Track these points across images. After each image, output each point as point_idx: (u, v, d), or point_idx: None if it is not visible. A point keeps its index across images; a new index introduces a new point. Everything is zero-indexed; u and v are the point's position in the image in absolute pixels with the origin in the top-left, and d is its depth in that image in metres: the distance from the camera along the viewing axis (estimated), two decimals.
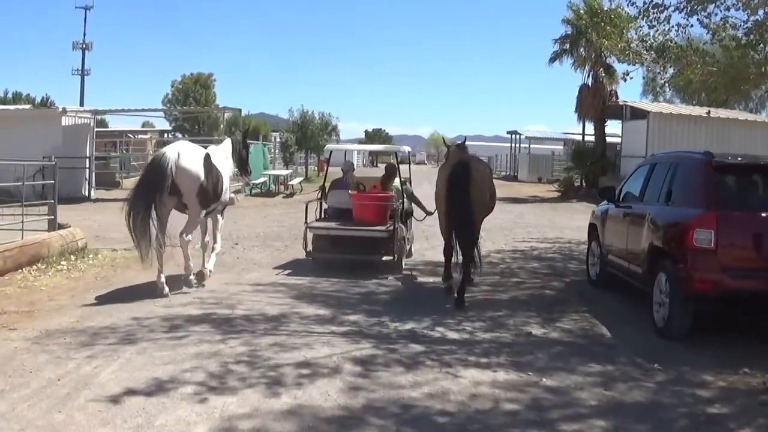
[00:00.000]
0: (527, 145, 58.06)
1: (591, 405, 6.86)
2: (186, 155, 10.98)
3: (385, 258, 13.61)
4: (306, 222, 14.08)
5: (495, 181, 14.14)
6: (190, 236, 11.59)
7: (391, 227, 13.59)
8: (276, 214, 24.82)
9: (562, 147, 56.33)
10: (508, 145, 61.35)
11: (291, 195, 33.13)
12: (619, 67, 34.04)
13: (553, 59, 37.66)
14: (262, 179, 34.04)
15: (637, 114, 34.08)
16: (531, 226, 23.09)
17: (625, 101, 36.81)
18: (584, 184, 37.61)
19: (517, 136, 58.85)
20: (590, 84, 36.48)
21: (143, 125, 72.26)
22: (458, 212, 11.50)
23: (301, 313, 10.04)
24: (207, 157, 11.50)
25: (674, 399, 7.12)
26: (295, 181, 35.46)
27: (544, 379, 7.44)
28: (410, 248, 15.29)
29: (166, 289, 10.88)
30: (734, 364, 8.20)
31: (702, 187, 9.52)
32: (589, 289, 12.80)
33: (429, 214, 14.26)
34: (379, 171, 21.30)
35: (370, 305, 10.83)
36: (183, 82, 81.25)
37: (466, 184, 11.33)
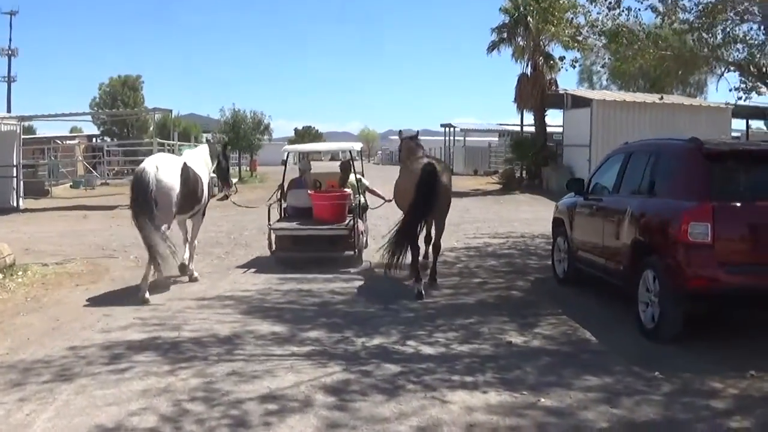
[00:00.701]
0: (462, 138, 57.35)
1: (602, 428, 6.01)
2: (163, 169, 11.46)
3: (346, 253, 14.20)
4: (269, 223, 14.61)
5: None
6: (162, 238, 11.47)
7: (351, 223, 14.30)
8: (213, 217, 23.47)
9: (497, 138, 55.79)
10: (441, 138, 60.66)
11: (225, 197, 31.78)
12: (562, 55, 33.80)
13: (491, 48, 36.93)
14: None
15: (579, 102, 33.49)
16: (479, 220, 22.34)
17: (565, 90, 36.27)
18: (526, 175, 37.00)
19: (451, 129, 58.10)
20: (529, 73, 35.86)
21: (71, 131, 70.42)
22: (422, 213, 11.93)
23: (255, 332, 8.99)
24: (184, 166, 12.06)
25: (689, 413, 6.35)
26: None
27: (542, 399, 6.57)
28: (366, 239, 15.68)
29: (147, 294, 11.08)
30: (738, 366, 7.50)
31: (693, 177, 8.73)
32: (557, 288, 12.04)
33: (387, 201, 14.94)
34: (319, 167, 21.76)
35: (329, 317, 9.85)
36: (110, 85, 78.89)
37: (436, 192, 11.77)
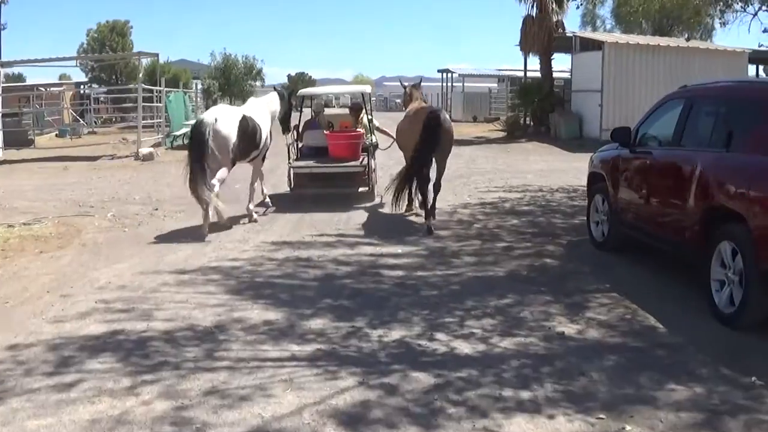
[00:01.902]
0: (460, 84, 55.29)
1: None
2: (222, 119, 12.31)
3: (360, 189, 15.09)
4: (288, 162, 15.39)
5: None
6: (217, 184, 12.41)
7: (365, 161, 15.19)
8: None
9: (496, 84, 53.80)
10: (438, 84, 58.68)
11: None
12: None
13: None
14: (183, 130, 30.85)
15: (588, 46, 31.45)
16: (488, 171, 20.61)
17: (574, 32, 34.29)
18: (531, 122, 35.12)
19: (449, 75, 56.05)
20: (535, 15, 33.71)
21: (60, 78, 68.68)
22: (425, 158, 12.43)
23: (244, 321, 7.25)
24: (243, 117, 12.87)
25: None
26: None
27: (627, 427, 4.91)
28: (375, 176, 16.12)
29: (208, 236, 11.85)
30: None
31: None
32: (597, 255, 10.35)
33: (395, 140, 14.84)
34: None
35: (334, 298, 8.13)
36: (98, 31, 76.76)
37: (439, 136, 12.33)
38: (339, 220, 13.14)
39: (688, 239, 7.91)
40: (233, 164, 12.99)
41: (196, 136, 12.20)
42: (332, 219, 13.29)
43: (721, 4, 17.11)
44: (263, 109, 14.04)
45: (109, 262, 10.20)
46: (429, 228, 12.08)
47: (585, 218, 11.88)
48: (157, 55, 32.68)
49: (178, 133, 30.14)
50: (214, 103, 39.80)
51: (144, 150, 25.36)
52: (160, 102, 30.63)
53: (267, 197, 14.69)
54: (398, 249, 10.66)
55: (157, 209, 14.66)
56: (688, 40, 20.22)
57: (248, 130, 12.97)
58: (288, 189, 15.45)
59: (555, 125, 31.60)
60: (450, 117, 14.37)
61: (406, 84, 15.74)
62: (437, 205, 13.12)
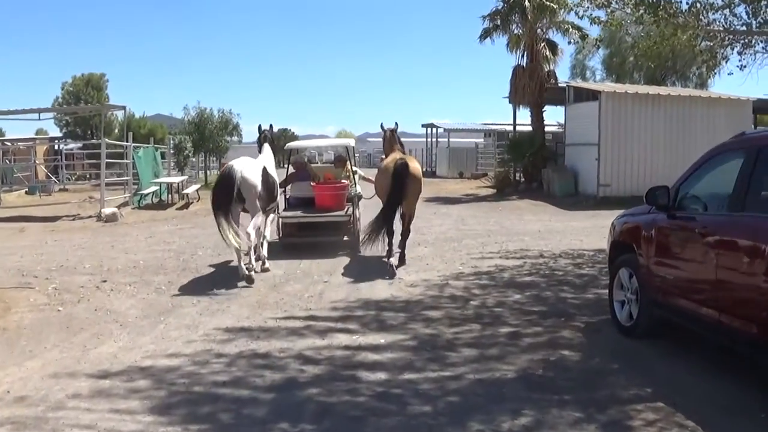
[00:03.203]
0: (445, 139, 53.69)
1: None
2: (248, 169, 12.81)
3: (345, 238, 16.10)
4: (277, 212, 15.47)
5: None
6: (253, 232, 12.93)
7: (350, 211, 16.00)
8: (165, 232, 19.88)
9: (482, 139, 52.16)
10: (422, 140, 57.10)
11: (186, 206, 28.04)
12: (584, 32, 30.29)
13: (484, 36, 32.70)
14: (152, 188, 28.91)
15: (582, 96, 29.73)
16: (480, 234, 18.65)
17: (567, 82, 32.61)
18: (523, 178, 33.28)
19: (433, 129, 54.51)
20: (525, 64, 32.07)
21: (37, 133, 67.63)
22: (396, 203, 13.47)
23: None
24: (264, 170, 13.36)
25: None
26: (191, 189, 30.21)
27: None
28: (359, 225, 16.28)
29: (248, 273, 12.44)
30: None
31: None
32: (624, 343, 8.36)
33: None
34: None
35: (293, 422, 6.07)
36: (74, 84, 75.90)
37: (406, 183, 13.43)
38: (311, 297, 11.21)
39: (760, 333, 5.96)
40: (260, 212, 13.30)
41: (225, 182, 12.55)
42: (303, 294, 11.41)
43: (740, 45, 15.34)
44: (271, 161, 14.40)
45: (22, 356, 8.29)
46: (392, 267, 13.15)
47: (598, 291, 10.55)
48: (124, 107, 30.95)
49: (146, 191, 28.22)
50: (185, 159, 37.93)
51: (107, 210, 23.39)
52: (128, 158, 28.66)
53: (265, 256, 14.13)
54: (380, 338, 8.65)
55: (105, 281, 12.72)
56: (700, 86, 18.07)
57: (269, 181, 13.51)
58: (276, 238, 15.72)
59: (548, 181, 29.78)
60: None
61: (386, 128, 15.88)
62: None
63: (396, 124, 16.08)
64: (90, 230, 20.78)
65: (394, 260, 13.43)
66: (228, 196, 12.41)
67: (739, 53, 15.71)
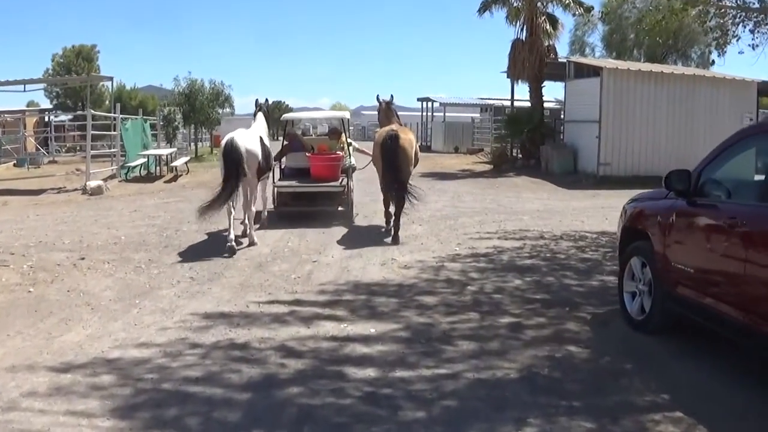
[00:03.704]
0: (441, 113, 52.81)
1: None
2: (249, 141, 13.13)
3: (340, 208, 16.13)
4: (273, 182, 15.91)
5: None
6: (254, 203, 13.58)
7: (344, 182, 16.17)
8: (150, 206, 19.13)
9: (479, 114, 51.30)
10: (417, 114, 56.22)
11: (175, 179, 27.29)
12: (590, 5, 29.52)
13: (483, 9, 32.04)
14: (139, 161, 28.10)
15: (583, 72, 28.85)
16: (477, 212, 17.95)
17: (567, 58, 31.79)
18: (520, 155, 32.51)
19: (429, 104, 53.66)
20: (524, 38, 31.22)
21: (28, 105, 66.68)
22: (392, 174, 13.86)
23: None
24: (261, 140, 13.76)
25: None
26: (180, 162, 29.40)
27: None
28: (353, 196, 16.59)
29: (234, 246, 12.54)
30: None
31: None
32: (636, 339, 7.65)
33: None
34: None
35: (269, 429, 5.42)
36: (64, 56, 74.65)
37: (396, 152, 13.79)
38: (298, 278, 10.53)
39: None
40: (257, 183, 13.91)
41: (232, 156, 12.63)
42: (289, 275, 10.73)
43: (752, 23, 14.60)
44: (264, 131, 14.73)
45: None
46: (393, 236, 13.73)
47: (603, 278, 10.05)
48: (111, 78, 30.03)
49: (133, 164, 27.45)
50: (174, 131, 37.07)
51: (92, 183, 22.59)
52: (115, 130, 27.84)
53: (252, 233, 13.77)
54: (370, 328, 7.96)
55: (83, 258, 12.00)
56: (712, 64, 17.13)
57: (265, 151, 13.80)
58: (272, 207, 16.01)
59: (546, 158, 28.99)
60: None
61: (381, 99, 16.21)
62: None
63: (391, 96, 16.28)
64: (74, 204, 20.04)
65: (390, 224, 14.36)
66: (239, 170, 12.60)
67: (752, 31, 14.98)
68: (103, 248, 12.94)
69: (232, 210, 12.75)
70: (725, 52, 15.88)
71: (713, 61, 15.00)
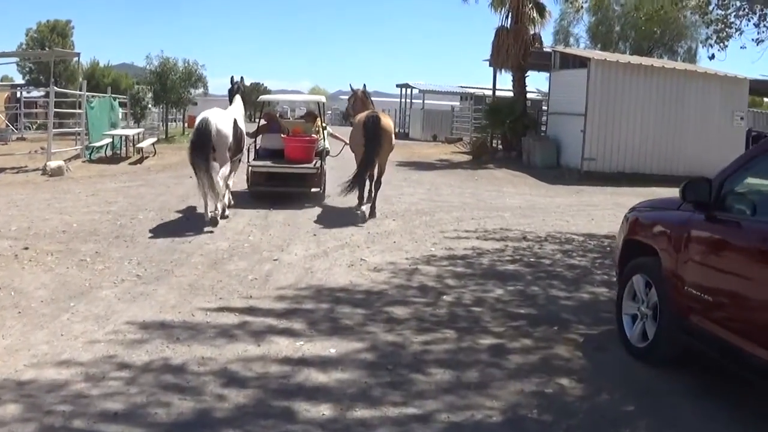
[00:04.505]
0: (420, 100, 51.75)
1: None
2: (221, 121, 13.28)
3: (313, 190, 16.27)
4: (248, 161, 16.10)
5: None
6: (221, 181, 13.21)
7: (318, 164, 16.36)
8: (110, 190, 17.90)
9: (458, 102, 50.24)
10: (396, 100, 55.07)
11: (140, 161, 25.99)
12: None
13: None
14: (104, 141, 26.77)
15: (569, 63, 27.80)
16: (455, 206, 16.90)
17: (553, 47, 30.74)
18: (501, 146, 31.46)
19: (408, 90, 52.55)
20: (509, 26, 30.12)
21: (2, 79, 64.93)
22: (371, 156, 14.23)
23: None
24: (234, 122, 13.81)
25: None
26: (146, 143, 28.02)
27: None
28: (325, 179, 16.98)
29: (215, 216, 13.02)
30: None
31: None
32: (637, 371, 6.63)
33: (346, 144, 16.47)
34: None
35: None
36: (38, 31, 72.79)
37: (378, 133, 14.17)
38: (254, 280, 9.45)
39: None
40: (228, 162, 13.67)
41: (202, 135, 12.81)
42: (246, 275, 9.69)
43: (757, 17, 13.60)
44: (240, 113, 15.02)
45: None
46: (363, 214, 14.32)
47: (593, 289, 9.26)
48: (78, 54, 28.67)
49: (98, 144, 26.11)
50: (142, 111, 35.73)
51: (52, 164, 21.23)
52: (81, 108, 26.51)
53: (229, 201, 14.61)
54: (330, 347, 6.87)
55: (27, 248, 10.87)
56: (712, 58, 16.09)
57: (237, 133, 13.89)
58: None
59: (528, 151, 27.97)
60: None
61: (356, 89, 17.13)
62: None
63: (364, 85, 17.14)
64: (32, 185, 18.75)
65: (365, 208, 14.51)
66: (206, 149, 12.77)
67: (756, 25, 13.99)
68: (50, 237, 11.81)
69: (206, 188, 12.84)
70: (726, 46, 14.74)
71: (713, 56, 13.99)
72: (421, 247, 11.92)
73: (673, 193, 6.72)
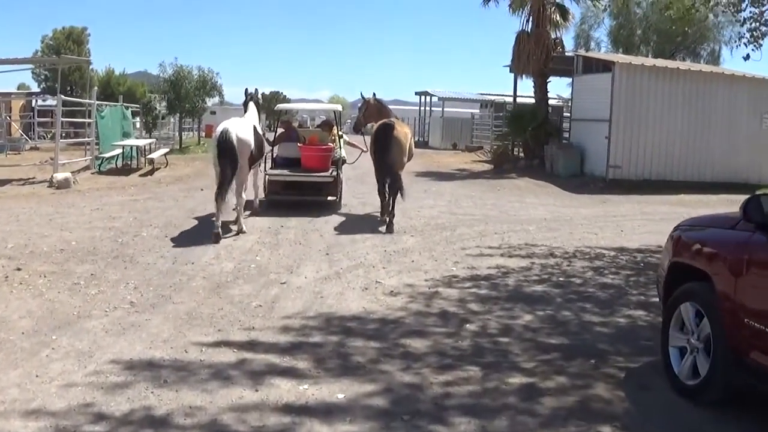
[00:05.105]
0: (440, 108, 50.94)
1: None
2: (242, 130, 13.34)
3: (329, 198, 16.37)
4: (265, 170, 16.36)
5: None
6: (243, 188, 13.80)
7: (334, 173, 16.47)
8: (116, 203, 17.18)
9: (479, 109, 49.42)
10: (415, 108, 54.28)
11: (151, 172, 25.26)
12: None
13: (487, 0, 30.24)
14: (115, 151, 26.07)
15: (592, 67, 26.91)
16: (477, 220, 16.06)
17: (576, 51, 29.90)
18: (523, 154, 30.59)
19: (428, 98, 51.76)
20: (530, 30, 29.26)
21: (18, 88, 64.82)
22: (384, 166, 14.55)
23: None
24: (254, 129, 14.15)
25: None
26: (158, 154, 27.28)
27: None
28: (342, 187, 17.16)
29: (220, 233, 12.70)
30: None
31: None
32: (691, 416, 5.77)
33: (364, 151, 16.66)
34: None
35: None
36: (54, 38, 72.48)
37: (389, 144, 14.40)
38: (258, 307, 8.65)
39: None
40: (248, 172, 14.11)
41: (226, 145, 12.82)
42: (250, 302, 8.87)
43: None
44: (256, 119, 15.15)
45: None
46: (388, 225, 14.13)
47: (630, 312, 8.58)
48: (87, 61, 28.08)
49: (108, 154, 25.41)
50: (154, 120, 35.06)
51: (59, 176, 20.57)
52: (91, 117, 25.85)
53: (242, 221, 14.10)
54: (338, 392, 6.03)
55: (19, 269, 10.20)
56: (747, 59, 15.17)
57: (257, 140, 14.11)
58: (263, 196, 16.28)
59: (551, 159, 27.08)
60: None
61: (367, 97, 17.14)
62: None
63: (374, 94, 17.12)
64: (36, 198, 18.09)
65: (387, 218, 14.42)
66: (233, 160, 12.87)
67: None
68: (46, 256, 11.10)
69: (238, 202, 13.34)
70: (761, 45, 13.86)
71: (748, 56, 13.20)
72: (441, 266, 11.09)
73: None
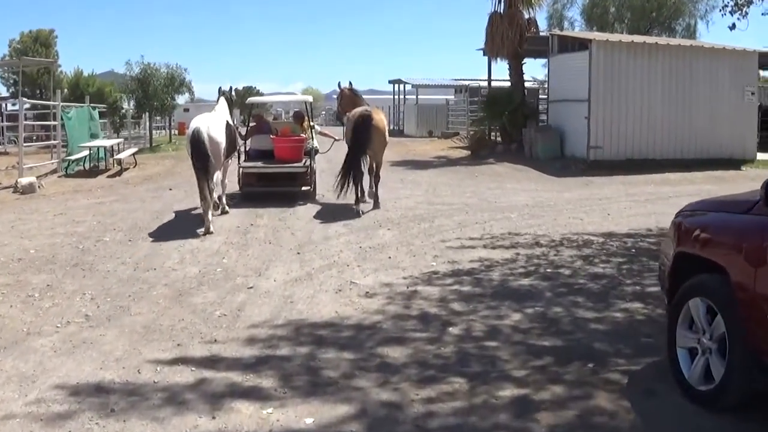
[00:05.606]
0: (414, 96, 50.23)
1: None
2: (213, 127, 13.54)
3: (303, 188, 16.60)
4: (239, 163, 16.44)
5: None
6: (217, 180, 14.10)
7: (307, 163, 16.73)
8: (81, 207, 16.36)
9: (453, 95, 48.72)
10: (389, 96, 53.50)
11: (120, 173, 24.39)
12: None
13: None
14: (82, 153, 25.20)
15: (567, 46, 26.30)
16: (456, 209, 15.42)
17: (550, 31, 29.24)
18: (500, 139, 29.93)
19: (401, 86, 51.03)
20: (503, 11, 28.56)
21: None
22: (356, 154, 14.86)
23: None
24: (227, 123, 14.33)
25: None
26: (125, 154, 26.39)
27: None
28: (315, 177, 17.16)
29: (212, 227, 12.81)
30: None
31: None
32: (703, 425, 5.12)
33: (337, 140, 17.66)
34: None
35: None
36: (21, 41, 71.52)
37: (370, 135, 14.76)
38: (222, 316, 7.94)
39: None
40: (221, 166, 14.22)
41: (197, 144, 12.99)
42: (213, 310, 8.18)
43: None
44: (227, 112, 15.15)
45: None
46: (358, 211, 14.66)
47: (626, 305, 7.94)
48: (51, 62, 27.18)
49: (75, 156, 24.56)
50: (121, 120, 34.15)
51: (24, 180, 19.66)
52: (56, 119, 25.00)
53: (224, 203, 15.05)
54: (305, 416, 5.32)
55: None
56: (732, 28, 14.57)
57: (230, 135, 14.34)
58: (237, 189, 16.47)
59: (530, 142, 26.44)
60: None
61: (343, 86, 17.49)
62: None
63: (350, 82, 17.56)
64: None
65: (362, 206, 14.98)
66: (205, 158, 13.00)
67: None
68: (2, 266, 10.42)
69: (212, 197, 13.34)
70: (746, 14, 13.25)
71: (733, 25, 12.65)
72: (420, 261, 10.42)
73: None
